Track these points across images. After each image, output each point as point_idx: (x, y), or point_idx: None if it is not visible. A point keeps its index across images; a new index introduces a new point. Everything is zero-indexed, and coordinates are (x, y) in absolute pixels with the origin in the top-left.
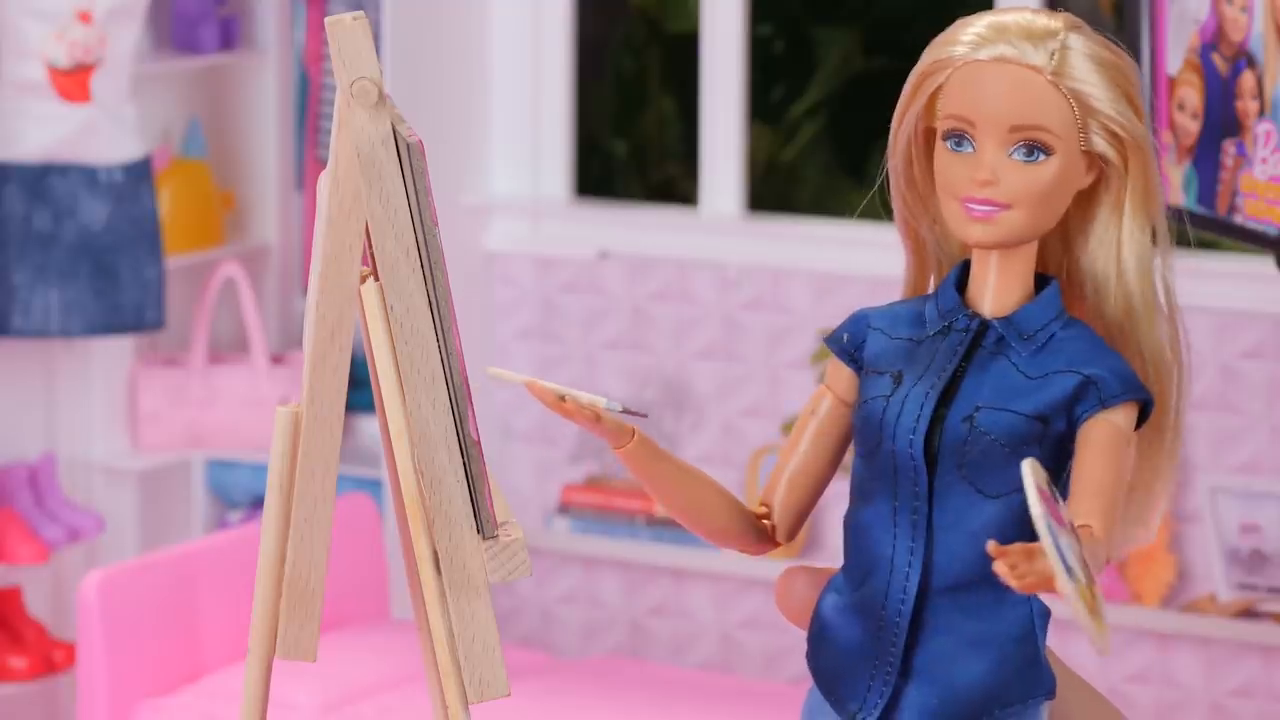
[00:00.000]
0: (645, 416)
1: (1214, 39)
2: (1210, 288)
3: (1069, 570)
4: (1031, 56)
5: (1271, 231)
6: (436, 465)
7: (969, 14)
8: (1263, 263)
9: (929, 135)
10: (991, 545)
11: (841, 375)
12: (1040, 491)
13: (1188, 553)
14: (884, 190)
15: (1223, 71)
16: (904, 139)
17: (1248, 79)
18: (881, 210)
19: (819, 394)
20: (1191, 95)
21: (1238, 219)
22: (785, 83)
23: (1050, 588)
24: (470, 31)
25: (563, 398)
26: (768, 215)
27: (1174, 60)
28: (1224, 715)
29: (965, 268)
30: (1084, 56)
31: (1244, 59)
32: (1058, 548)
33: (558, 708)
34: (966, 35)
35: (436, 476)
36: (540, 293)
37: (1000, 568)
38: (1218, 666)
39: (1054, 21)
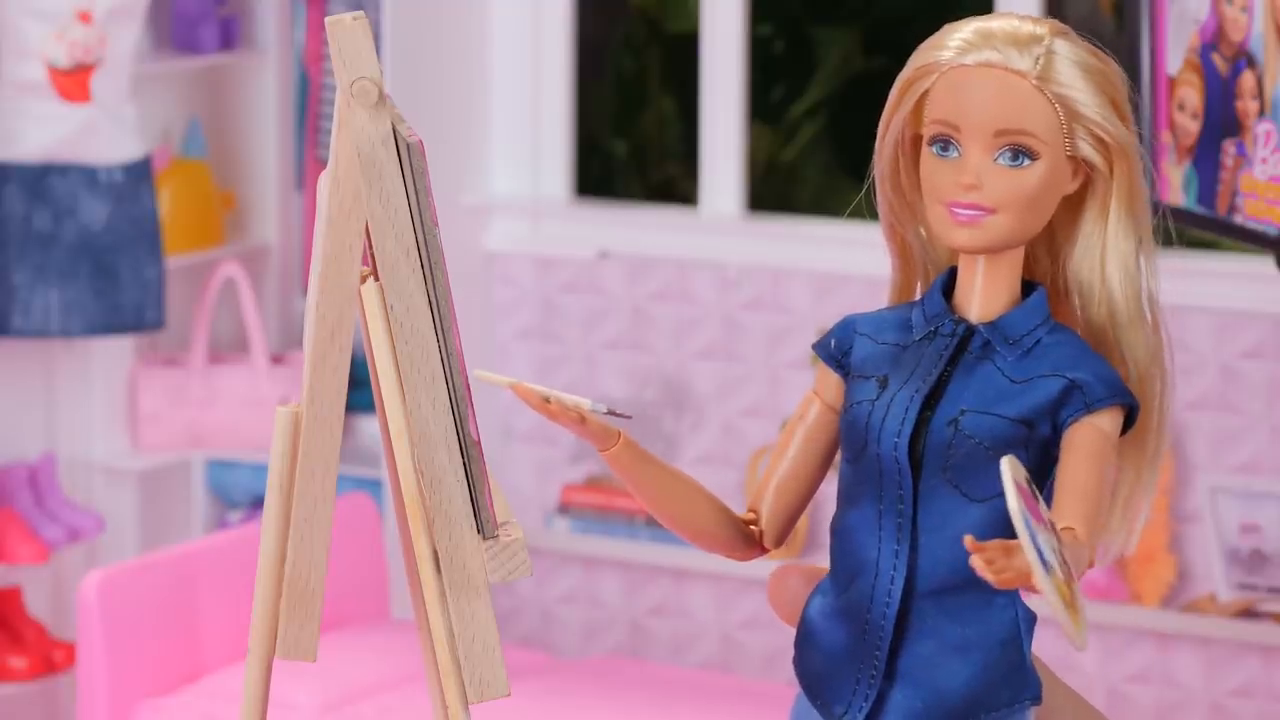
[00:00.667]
0: (629, 418)
1: (1214, 39)
2: (1210, 288)
3: (1046, 565)
4: (1017, 61)
5: (1271, 231)
6: (436, 465)
7: (968, 14)
8: (1263, 263)
9: (916, 142)
10: (969, 540)
11: (829, 381)
12: (1019, 488)
13: (1188, 553)
14: (871, 194)
15: (1223, 71)
16: (890, 144)
17: (1248, 79)
18: (868, 214)
19: (807, 400)
20: (1191, 95)
21: (1238, 219)
22: (785, 83)
23: (1028, 583)
24: (470, 31)
25: (548, 399)
26: (768, 215)
27: (1174, 60)
28: (1224, 715)
29: (952, 274)
30: (1070, 62)
31: (1244, 59)
32: (1035, 542)
33: (558, 708)
34: (953, 40)
35: (436, 476)
36: (540, 293)
37: (976, 562)
38: (1218, 666)
39: (1040, 27)
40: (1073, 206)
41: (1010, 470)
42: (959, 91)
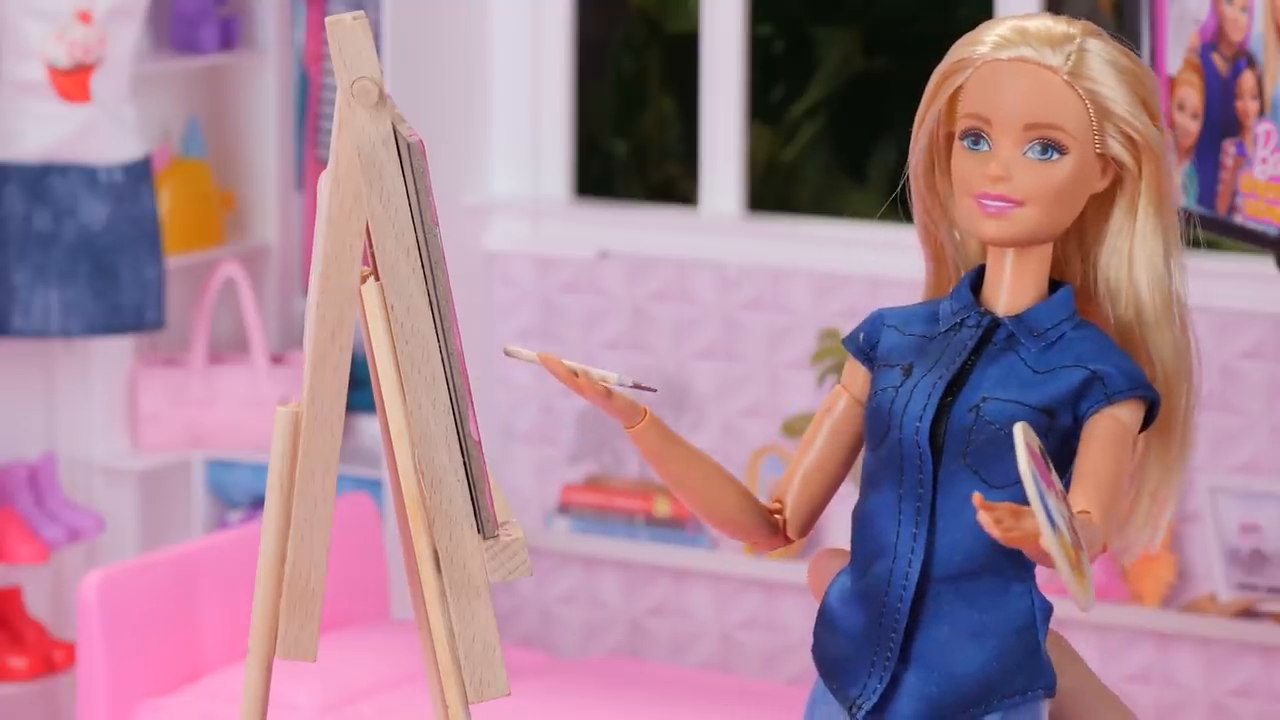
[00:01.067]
0: (655, 390)
1: (1214, 39)
2: (1210, 288)
3: (1054, 526)
4: (1049, 57)
5: (1271, 231)
6: (437, 465)
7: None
8: (1263, 263)
9: (950, 141)
10: (977, 498)
11: (857, 375)
12: (1031, 452)
13: (1188, 553)
14: (905, 193)
15: (1223, 71)
16: (925, 138)
17: (1248, 79)
18: (902, 214)
19: (835, 393)
20: (1191, 95)
21: (1238, 219)
22: (785, 83)
23: (1035, 544)
24: (470, 31)
25: (575, 373)
26: (768, 215)
27: (1174, 60)
28: (1224, 715)
29: (981, 271)
30: (1101, 60)
31: (1244, 59)
32: (1044, 503)
33: (558, 708)
34: (990, 36)
35: (437, 476)
36: (540, 293)
37: (984, 519)
38: (1218, 666)
39: (1073, 27)
40: (1103, 206)
41: (1022, 435)
42: (991, 85)
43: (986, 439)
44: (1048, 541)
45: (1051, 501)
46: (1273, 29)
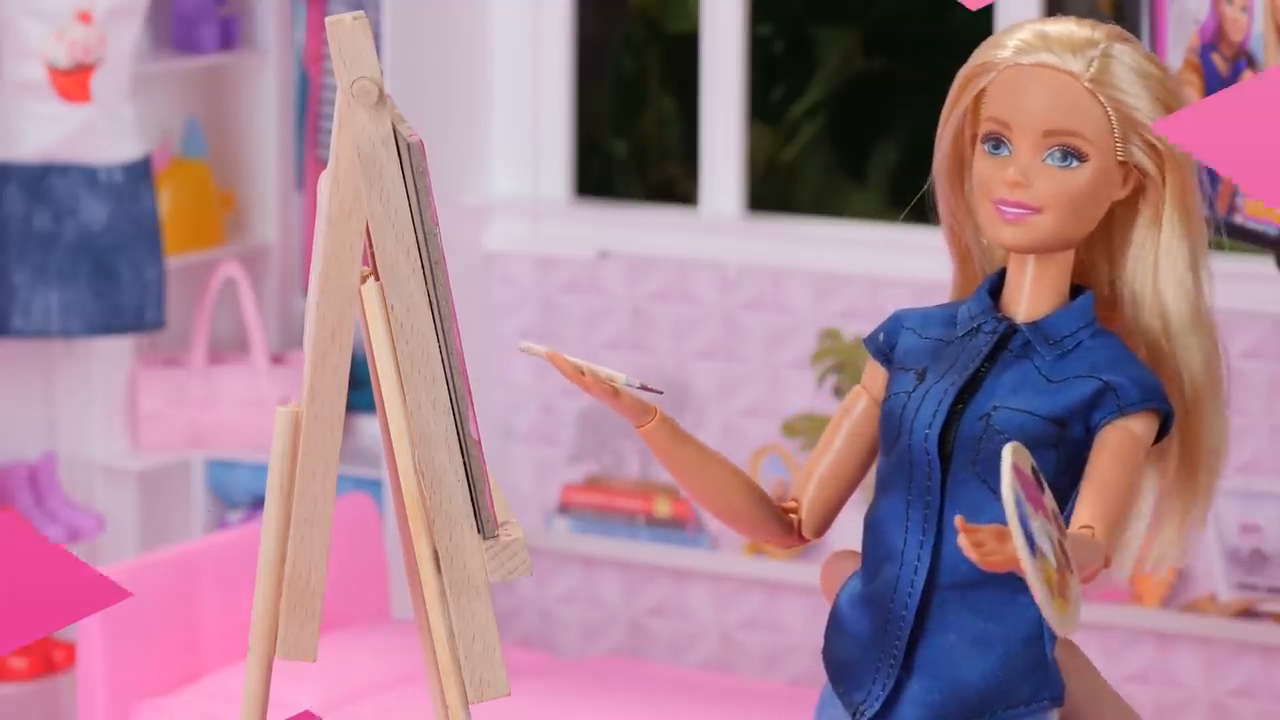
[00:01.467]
0: (661, 393)
1: (1214, 39)
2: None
3: (1035, 550)
4: (1070, 63)
5: (1271, 231)
6: (437, 465)
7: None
8: (1263, 263)
9: (975, 142)
10: (959, 520)
11: (876, 376)
12: (1020, 474)
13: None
14: (932, 194)
15: (1223, 71)
16: (948, 142)
17: (1248, 79)
18: (930, 215)
19: (854, 394)
20: (1191, 95)
21: (1238, 219)
22: (785, 83)
23: (1018, 568)
24: (470, 31)
25: (582, 371)
26: (768, 215)
27: (1174, 60)
28: (1224, 715)
29: (1002, 275)
30: (1126, 67)
31: (1244, 59)
32: (1025, 527)
33: (558, 708)
34: (1012, 40)
35: (437, 476)
36: (540, 293)
37: (963, 542)
38: (1218, 666)
39: (1097, 32)
40: (1130, 213)
41: (1010, 456)
42: (1012, 90)
43: (995, 448)
44: (1025, 568)
45: (1037, 524)
46: (1273, 29)
